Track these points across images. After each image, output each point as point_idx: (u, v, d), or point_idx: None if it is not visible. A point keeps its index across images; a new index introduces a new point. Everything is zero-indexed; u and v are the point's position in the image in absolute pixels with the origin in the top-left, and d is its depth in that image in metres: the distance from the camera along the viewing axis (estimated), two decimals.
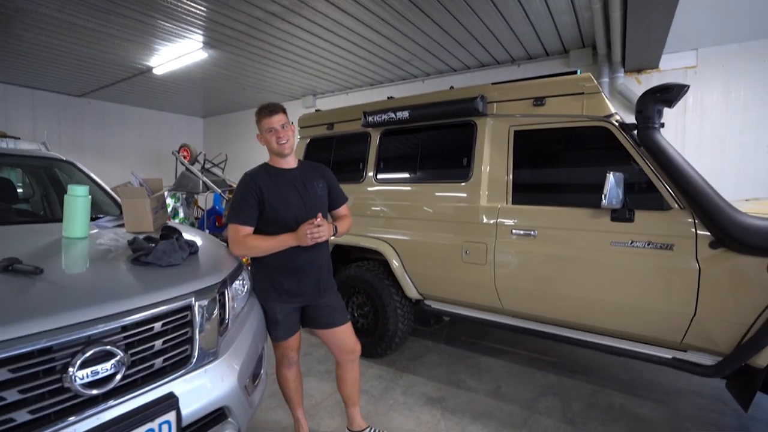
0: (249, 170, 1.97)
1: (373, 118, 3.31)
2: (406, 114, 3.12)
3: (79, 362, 1.13)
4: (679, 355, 2.20)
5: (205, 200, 6.98)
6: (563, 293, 2.44)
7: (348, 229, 2.14)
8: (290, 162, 2.00)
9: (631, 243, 2.21)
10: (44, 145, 3.19)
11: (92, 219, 2.22)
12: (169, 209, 6.18)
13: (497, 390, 2.84)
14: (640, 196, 2.26)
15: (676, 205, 2.16)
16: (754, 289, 1.94)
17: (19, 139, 6.99)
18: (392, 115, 3.19)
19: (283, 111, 1.92)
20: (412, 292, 3.10)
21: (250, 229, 1.87)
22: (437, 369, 3.15)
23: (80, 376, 1.13)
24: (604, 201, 2.11)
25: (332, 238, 1.98)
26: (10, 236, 1.86)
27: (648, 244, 2.18)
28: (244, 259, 2.06)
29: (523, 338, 3.65)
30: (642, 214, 2.21)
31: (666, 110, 2.31)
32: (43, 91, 7.77)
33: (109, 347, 1.20)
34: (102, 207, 2.60)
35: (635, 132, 2.32)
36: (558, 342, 2.54)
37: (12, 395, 1.04)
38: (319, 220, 1.80)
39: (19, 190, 3.05)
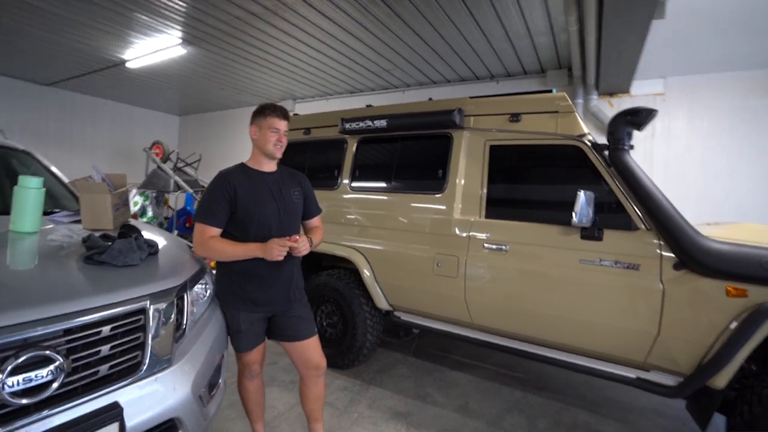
0: (224, 169, 1.89)
1: (351, 125, 3.28)
2: (383, 123, 3.11)
3: (9, 368, 1.03)
4: (643, 375, 2.23)
5: (175, 200, 6.75)
6: (532, 309, 2.45)
7: (320, 242, 2.09)
8: (271, 166, 1.95)
9: (600, 261, 2.25)
10: (2, 133, 2.99)
11: (47, 213, 2.08)
12: (138, 207, 5.94)
13: (464, 405, 2.81)
14: (609, 216, 2.30)
15: (643, 226, 2.21)
16: (713, 311, 1.99)
17: None
18: (370, 123, 3.17)
19: (289, 119, 1.94)
20: (382, 303, 3.05)
21: (217, 231, 1.78)
22: (405, 382, 3.10)
23: (10, 383, 1.03)
24: (574, 219, 2.14)
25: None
26: None
27: (615, 263, 2.22)
28: (211, 263, 1.97)
29: (492, 353, 3.65)
30: (610, 234, 2.25)
31: (636, 133, 2.38)
32: (7, 77, 7.39)
33: (47, 352, 1.10)
34: (60, 201, 2.46)
35: (606, 152, 2.38)
36: (525, 358, 2.54)
37: None
38: (296, 240, 1.76)
39: None
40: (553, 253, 2.39)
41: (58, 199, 2.44)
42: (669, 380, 2.17)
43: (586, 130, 2.54)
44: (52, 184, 2.50)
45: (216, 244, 1.75)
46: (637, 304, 2.16)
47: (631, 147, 2.33)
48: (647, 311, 2.14)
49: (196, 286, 1.71)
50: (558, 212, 2.42)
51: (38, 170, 2.58)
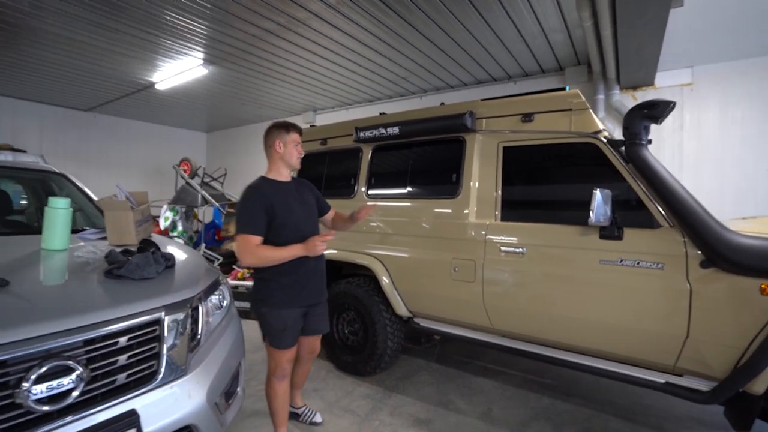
0: (252, 183, 2.07)
1: (365, 134, 3.32)
2: (396, 130, 3.13)
3: (33, 377, 1.11)
4: (673, 379, 2.12)
5: (203, 214, 7.00)
6: (553, 313, 2.38)
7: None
8: (288, 176, 2.20)
9: (620, 261, 2.17)
10: (42, 158, 3.21)
11: (77, 231, 2.22)
12: (168, 222, 6.19)
13: (488, 413, 2.75)
14: (629, 214, 2.22)
15: (666, 223, 2.11)
16: (747, 311, 1.88)
17: (25, 152, 7.12)
18: (383, 130, 3.20)
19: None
20: (401, 310, 3.05)
21: (260, 239, 1.94)
22: (427, 389, 3.07)
23: (34, 391, 1.11)
24: (591, 218, 2.08)
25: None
26: None
27: (637, 263, 2.13)
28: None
29: (518, 359, 3.56)
30: (631, 232, 2.17)
31: (662, 128, 2.29)
32: (51, 105, 7.93)
33: (68, 362, 1.17)
34: (91, 219, 2.61)
35: (623, 148, 2.30)
36: (548, 363, 2.47)
37: None
38: (327, 235, 1.97)
39: (23, 202, 3.08)
40: (571, 255, 2.32)
41: (90, 218, 2.59)
42: (702, 385, 2.05)
43: (601, 126, 2.47)
44: (84, 204, 2.66)
45: (264, 251, 1.92)
46: (663, 305, 2.06)
47: (649, 141, 2.24)
48: (674, 312, 2.03)
49: (211, 297, 1.77)
50: (575, 212, 2.35)
51: (71, 191, 2.75)
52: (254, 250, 1.89)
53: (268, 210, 1.94)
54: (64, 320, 1.21)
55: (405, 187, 3.15)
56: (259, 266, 1.99)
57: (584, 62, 5.05)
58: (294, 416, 2.53)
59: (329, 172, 3.71)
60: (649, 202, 2.16)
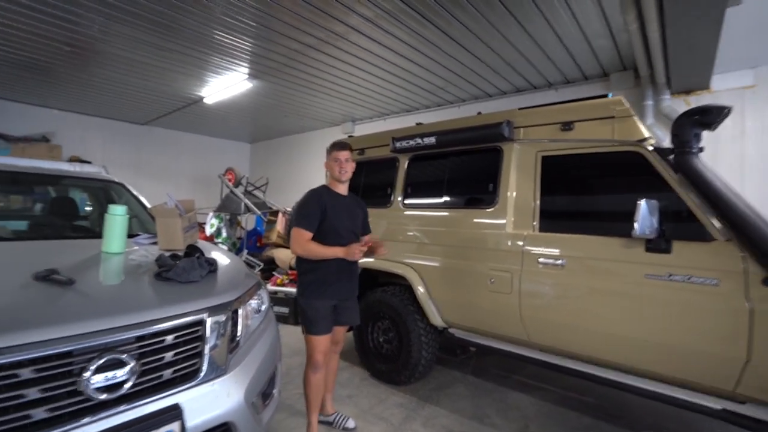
0: (314, 188, 2.42)
1: (401, 144, 3.36)
2: (432, 140, 3.14)
3: (93, 368, 1.21)
4: (732, 407, 1.96)
5: (246, 221, 7.29)
6: (594, 328, 2.28)
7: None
8: (343, 190, 2.45)
9: (669, 276, 2.05)
10: (104, 169, 3.50)
11: (131, 236, 2.39)
12: (213, 229, 6.51)
13: (524, 429, 2.66)
14: (678, 226, 2.10)
15: (721, 237, 1.98)
16: None
17: (90, 163, 7.76)
18: (419, 140, 3.23)
19: (350, 149, 2.42)
20: (436, 320, 3.03)
21: (311, 235, 2.25)
22: (462, 402, 3.02)
23: (93, 381, 1.21)
24: (635, 230, 1.98)
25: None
26: (59, 249, 2.05)
27: (688, 278, 2.00)
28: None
29: (557, 375, 3.41)
30: (681, 245, 2.05)
31: (719, 135, 2.17)
32: (113, 120, 8.62)
33: (122, 356, 1.27)
34: (145, 225, 2.80)
35: (671, 157, 2.18)
36: (591, 381, 2.35)
37: (33, 393, 1.13)
38: (367, 244, 2.30)
39: (87, 209, 3.36)
40: (614, 267, 2.22)
41: (144, 224, 2.78)
42: (766, 415, 1.88)
43: (647, 134, 2.36)
44: (139, 211, 2.87)
45: (311, 245, 2.23)
46: (718, 325, 1.92)
47: (701, 149, 2.12)
48: (731, 333, 1.89)
49: (251, 301, 1.85)
50: (618, 223, 2.25)
51: (128, 199, 2.97)
52: (304, 243, 2.21)
53: (322, 211, 2.26)
54: (120, 317, 1.31)
55: (441, 197, 3.14)
56: (304, 256, 2.26)
57: (630, 67, 4.84)
58: (325, 424, 2.58)
59: (366, 181, 3.77)
60: (701, 214, 2.04)
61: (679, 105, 4.68)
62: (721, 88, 4.56)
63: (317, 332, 2.27)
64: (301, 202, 2.37)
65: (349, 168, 2.39)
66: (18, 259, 1.78)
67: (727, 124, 2.60)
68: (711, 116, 2.06)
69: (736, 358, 1.88)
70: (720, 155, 4.42)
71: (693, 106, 4.69)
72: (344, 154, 2.36)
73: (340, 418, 2.58)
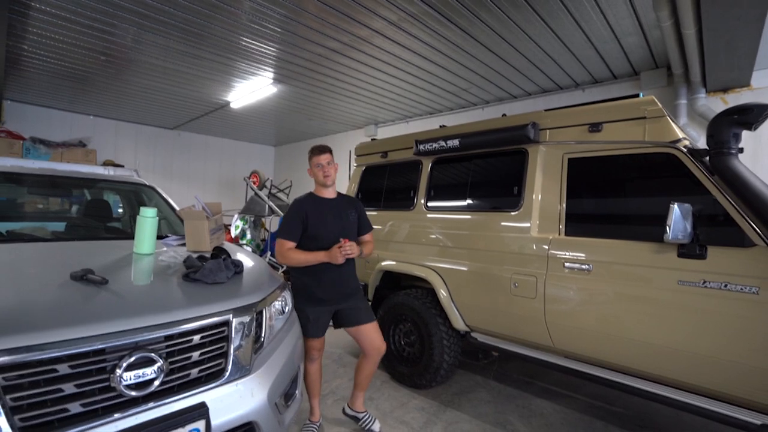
0: (298, 197, 2.44)
1: (425, 147, 3.35)
2: (456, 142, 3.12)
3: (125, 365, 1.25)
4: None
5: (270, 223, 7.43)
6: (621, 335, 2.20)
7: (370, 253, 2.55)
8: (331, 193, 2.45)
9: (703, 283, 1.95)
10: (136, 172, 3.65)
11: (160, 237, 2.48)
12: (238, 231, 6.66)
13: None
14: (714, 231, 2.00)
15: (762, 242, 1.88)
16: None
17: (123, 166, 8.09)
18: (443, 143, 3.21)
19: (330, 152, 2.40)
20: (458, 324, 3.00)
21: (293, 244, 2.31)
22: (484, 407, 2.97)
23: (125, 378, 1.25)
24: (668, 234, 1.90)
25: (361, 257, 2.41)
26: (94, 250, 2.14)
27: (725, 286, 1.91)
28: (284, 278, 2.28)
29: (583, 382, 3.32)
30: (717, 251, 1.95)
31: (761, 134, 2.06)
32: (144, 125, 8.96)
33: (152, 354, 1.31)
34: (173, 227, 2.89)
35: (707, 158, 2.09)
36: (618, 390, 2.28)
37: (69, 388, 1.18)
38: (346, 243, 2.20)
39: (120, 211, 3.51)
40: (643, 273, 2.14)
41: (172, 225, 2.88)
42: None
43: (681, 135, 2.27)
44: (168, 213, 2.96)
45: (292, 254, 2.27)
46: (758, 335, 1.82)
47: (740, 150, 2.02)
48: None
49: (275, 303, 1.88)
50: (649, 228, 2.17)
51: (158, 201, 3.07)
52: (285, 252, 2.26)
53: (303, 221, 2.29)
54: (150, 317, 1.36)
55: (465, 199, 3.11)
56: (289, 265, 2.32)
57: (663, 65, 4.67)
58: (354, 419, 2.61)
59: (389, 184, 3.78)
60: (740, 218, 1.94)
61: (715, 104, 4.48)
62: (762, 85, 4.33)
63: (307, 335, 2.29)
64: (285, 214, 2.42)
65: (333, 171, 2.37)
66: (56, 259, 1.87)
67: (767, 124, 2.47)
68: (752, 115, 1.96)
69: None
70: (761, 156, 4.20)
71: (730, 104, 4.50)
72: (325, 158, 2.35)
73: (367, 418, 2.58)
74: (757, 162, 4.14)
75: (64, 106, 7.53)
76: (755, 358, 1.83)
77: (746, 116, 1.99)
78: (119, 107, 7.50)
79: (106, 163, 8.21)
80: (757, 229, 1.89)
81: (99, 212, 3.08)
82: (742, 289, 1.87)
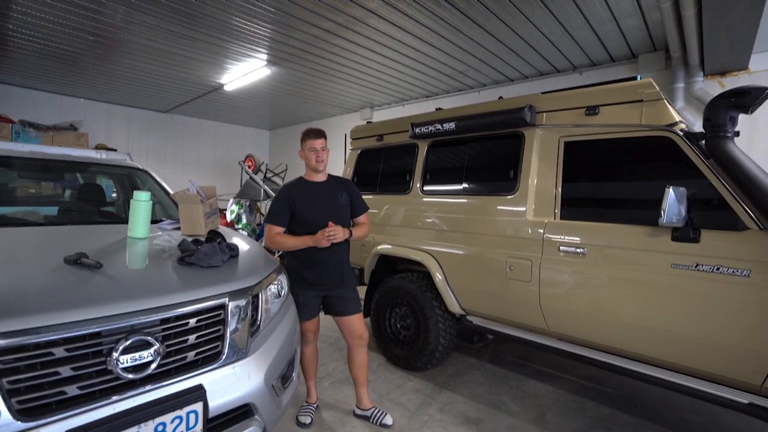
0: (286, 182, 2.47)
1: (420, 130, 3.32)
2: (452, 125, 3.09)
3: (121, 348, 1.25)
4: (760, 401, 1.90)
5: (265, 207, 7.39)
6: (615, 318, 2.24)
7: (364, 235, 2.52)
8: (321, 177, 2.43)
9: (696, 266, 1.98)
10: (129, 156, 3.59)
11: (155, 221, 2.46)
12: (234, 215, 6.63)
13: (541, 417, 2.66)
14: (708, 214, 2.02)
15: (755, 225, 1.89)
16: None
17: (115, 150, 7.97)
18: (439, 126, 3.18)
19: (324, 137, 2.37)
20: (454, 307, 3.03)
21: (281, 229, 2.31)
22: (479, 388, 3.03)
23: (122, 361, 1.25)
24: (662, 218, 1.92)
25: (351, 239, 2.38)
26: (88, 234, 2.12)
27: (716, 269, 1.93)
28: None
29: (575, 364, 3.38)
30: (710, 234, 1.97)
31: (757, 118, 2.06)
32: (136, 108, 8.80)
33: (148, 337, 1.31)
34: (168, 211, 2.87)
35: (703, 142, 2.09)
36: (610, 371, 2.32)
37: (66, 371, 1.18)
38: (330, 227, 2.20)
39: (113, 195, 3.47)
40: (638, 257, 2.16)
41: (167, 209, 2.85)
42: None
43: (678, 118, 2.26)
44: (162, 197, 2.93)
45: (280, 238, 2.28)
46: (748, 317, 1.85)
47: (735, 134, 2.01)
48: (762, 326, 1.82)
49: (271, 286, 1.88)
50: (644, 211, 2.18)
51: (152, 185, 3.04)
52: (273, 237, 2.28)
53: (290, 206, 2.30)
54: (145, 300, 1.36)
55: (460, 183, 3.11)
56: (277, 249, 2.34)
57: (661, 48, 4.62)
58: (363, 418, 2.56)
59: (385, 168, 3.76)
60: (734, 201, 1.95)
61: (712, 87, 4.47)
62: (760, 68, 4.31)
63: (301, 318, 2.31)
64: (273, 199, 2.43)
65: (326, 156, 2.35)
66: (49, 244, 1.85)
67: (766, 106, 2.47)
68: (749, 98, 1.95)
69: (766, 351, 1.82)
70: (756, 141, 4.21)
71: (728, 88, 4.47)
72: (320, 142, 2.33)
73: (377, 413, 2.54)
74: (753, 146, 4.15)
75: (53, 89, 7.37)
76: (745, 339, 1.86)
77: (743, 99, 1.98)
78: (110, 90, 7.35)
79: (99, 147, 8.07)
80: (750, 212, 1.91)
81: (92, 196, 3.05)
82: (733, 272, 1.89)
